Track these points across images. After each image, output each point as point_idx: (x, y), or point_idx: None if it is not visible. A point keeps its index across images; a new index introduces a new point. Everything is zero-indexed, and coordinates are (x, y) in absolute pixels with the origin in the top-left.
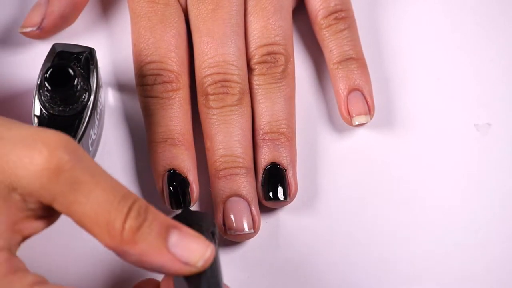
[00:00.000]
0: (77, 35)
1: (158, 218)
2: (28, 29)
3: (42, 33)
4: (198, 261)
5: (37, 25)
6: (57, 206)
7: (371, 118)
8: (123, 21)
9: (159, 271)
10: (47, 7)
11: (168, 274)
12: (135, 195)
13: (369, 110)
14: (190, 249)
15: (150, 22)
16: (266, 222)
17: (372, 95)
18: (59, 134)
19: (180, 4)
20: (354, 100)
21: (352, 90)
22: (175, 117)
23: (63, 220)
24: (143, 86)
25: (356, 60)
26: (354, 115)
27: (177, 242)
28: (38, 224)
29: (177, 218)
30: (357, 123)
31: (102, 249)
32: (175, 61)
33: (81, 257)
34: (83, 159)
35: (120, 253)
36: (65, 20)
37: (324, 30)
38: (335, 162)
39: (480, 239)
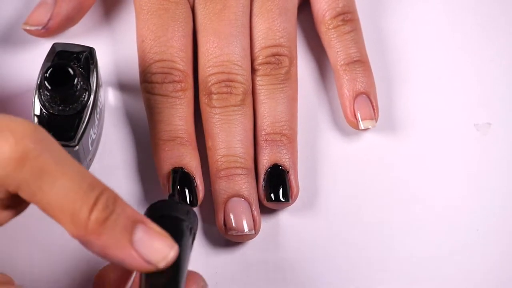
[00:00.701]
0: (77, 34)
1: (125, 211)
2: (33, 28)
3: (46, 32)
4: (160, 261)
5: (43, 24)
6: (22, 194)
7: (376, 122)
8: (123, 20)
9: (121, 265)
10: (54, 8)
11: (129, 269)
12: (104, 184)
13: (375, 114)
14: (153, 247)
15: (161, 19)
16: (267, 223)
17: (377, 99)
18: (27, 123)
19: (189, 2)
20: (361, 105)
21: (359, 94)
22: (183, 116)
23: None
24: (150, 83)
25: (362, 63)
26: (361, 120)
27: (141, 238)
28: (5, 214)
29: (156, 206)
30: (363, 127)
31: (69, 239)
32: (185, 61)
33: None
34: (50, 148)
35: (84, 243)
36: (70, 21)
37: (332, 30)
38: (335, 163)
39: (480, 239)
